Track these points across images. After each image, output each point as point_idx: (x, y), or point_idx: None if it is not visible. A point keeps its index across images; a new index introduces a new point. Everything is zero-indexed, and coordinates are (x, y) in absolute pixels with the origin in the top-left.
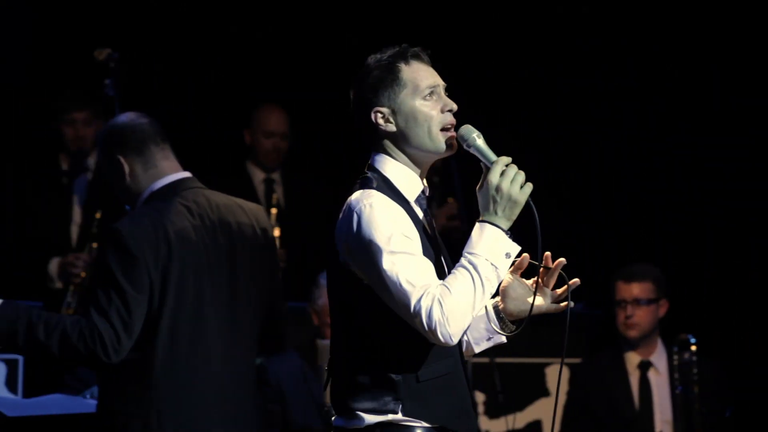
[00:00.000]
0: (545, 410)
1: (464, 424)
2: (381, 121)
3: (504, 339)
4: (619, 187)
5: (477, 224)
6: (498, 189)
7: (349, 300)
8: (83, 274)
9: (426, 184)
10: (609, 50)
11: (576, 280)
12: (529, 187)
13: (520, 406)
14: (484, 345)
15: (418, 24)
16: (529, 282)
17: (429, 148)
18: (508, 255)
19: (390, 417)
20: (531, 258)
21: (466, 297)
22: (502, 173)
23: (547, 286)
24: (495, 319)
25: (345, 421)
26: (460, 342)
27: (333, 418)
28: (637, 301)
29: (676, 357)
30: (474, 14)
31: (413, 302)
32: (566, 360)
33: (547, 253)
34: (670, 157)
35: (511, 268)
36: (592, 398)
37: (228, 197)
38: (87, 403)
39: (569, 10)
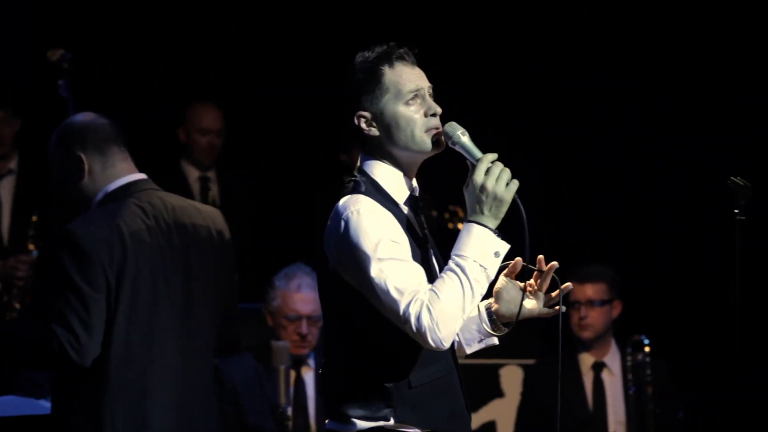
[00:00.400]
0: (499, 412)
1: (458, 427)
2: (364, 125)
3: (496, 341)
4: (620, 187)
5: (464, 225)
6: (483, 188)
7: (340, 306)
8: (23, 276)
9: (416, 184)
10: (609, 50)
11: (569, 284)
12: (515, 184)
13: (474, 407)
14: (476, 346)
15: (417, 24)
16: (523, 285)
17: (414, 149)
18: (497, 254)
19: (382, 423)
20: (522, 257)
21: (455, 301)
22: (487, 171)
23: (540, 290)
24: (487, 321)
25: (337, 425)
26: (452, 344)
27: (326, 422)
28: (590, 302)
29: (629, 358)
30: (474, 14)
31: (402, 308)
32: (520, 361)
33: (540, 257)
34: (670, 157)
35: (506, 271)
36: (545, 399)
37: (184, 199)
38: (40, 405)
39: (569, 10)
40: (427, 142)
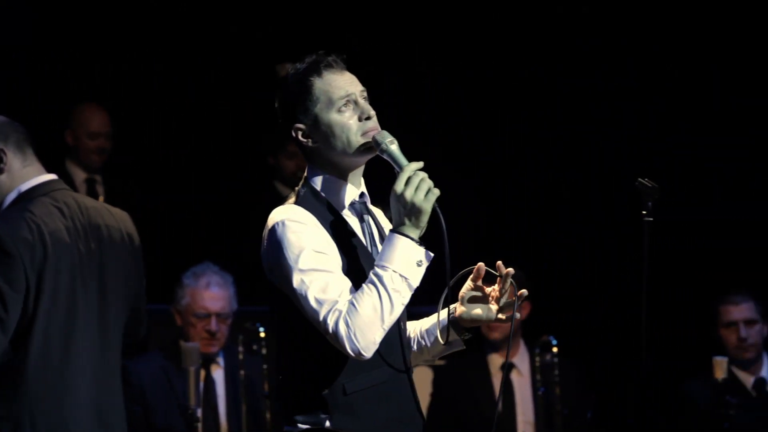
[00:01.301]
0: None
1: None
2: (302, 138)
3: (462, 345)
4: (620, 187)
5: (388, 235)
6: (402, 197)
7: (280, 314)
8: None
9: (364, 189)
10: (609, 50)
11: (524, 291)
12: (434, 194)
13: None
14: (438, 351)
15: (416, 24)
16: (489, 290)
17: (352, 154)
18: (419, 263)
19: (326, 426)
20: (441, 265)
21: (373, 311)
22: (407, 181)
23: (500, 295)
24: (447, 326)
25: (289, 429)
26: (401, 350)
27: (284, 428)
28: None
29: (537, 358)
30: (474, 14)
31: (321, 318)
32: (429, 363)
33: (499, 262)
34: (670, 157)
35: (471, 276)
36: (455, 400)
37: (95, 200)
38: None
39: (569, 10)
40: (361, 146)
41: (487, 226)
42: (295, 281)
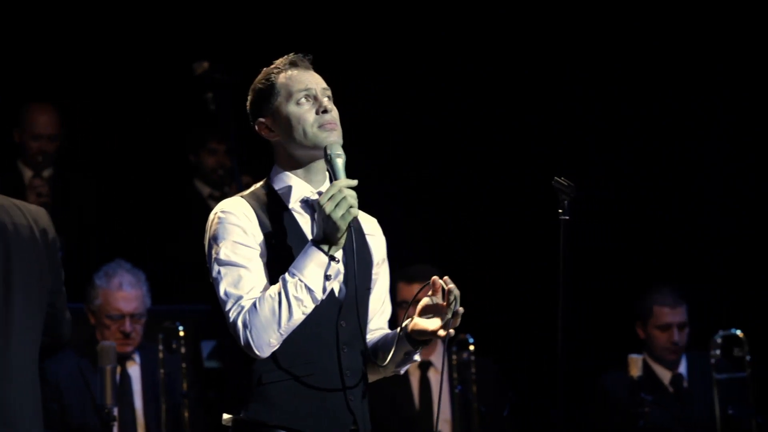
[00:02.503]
0: None
1: (320, 427)
2: (264, 132)
3: (416, 357)
4: (536, 185)
5: (307, 244)
6: (322, 210)
7: (217, 304)
8: None
9: (324, 188)
10: (609, 50)
11: (460, 308)
12: (351, 215)
13: None
14: (400, 360)
15: (417, 24)
16: (444, 303)
17: (308, 145)
18: (328, 278)
19: (242, 415)
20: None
21: (271, 315)
22: (331, 197)
23: (443, 311)
24: (397, 338)
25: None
26: (336, 349)
27: None
28: (417, 303)
29: (454, 357)
30: (474, 14)
31: (225, 311)
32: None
33: (434, 277)
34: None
35: (429, 291)
36: (373, 398)
37: (5, 198)
38: None
39: (569, 10)
40: (320, 137)
41: (403, 224)
42: (214, 271)
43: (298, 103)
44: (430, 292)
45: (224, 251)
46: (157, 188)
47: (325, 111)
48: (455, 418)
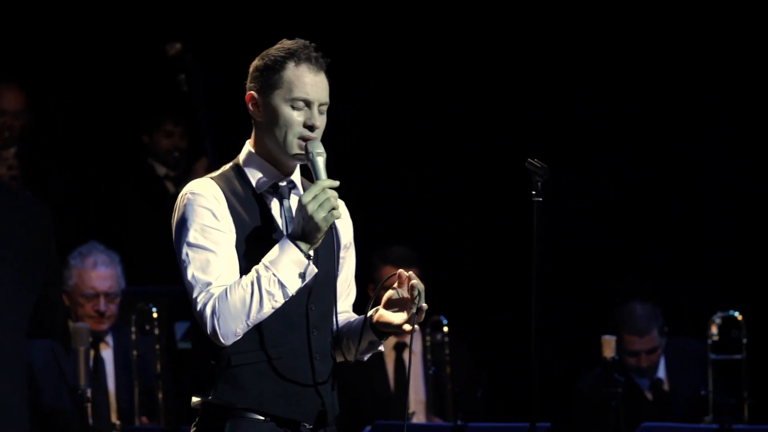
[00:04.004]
0: None
1: (297, 412)
2: (251, 107)
3: (381, 348)
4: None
5: (283, 238)
6: (304, 209)
7: (184, 286)
8: None
9: (295, 178)
10: (609, 50)
11: (424, 305)
12: (333, 216)
13: None
14: (364, 349)
15: (417, 24)
16: (409, 297)
17: (281, 149)
18: (301, 276)
19: (210, 398)
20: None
21: (241, 305)
22: (314, 197)
23: (408, 305)
24: (362, 327)
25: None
26: (306, 333)
27: None
28: (385, 289)
29: (428, 338)
30: (474, 14)
31: (193, 296)
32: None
33: (401, 271)
34: (670, 157)
35: (395, 283)
36: (348, 380)
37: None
38: None
39: (569, 10)
40: (293, 147)
41: (375, 207)
42: (182, 254)
43: (292, 106)
44: (395, 285)
45: (193, 234)
46: (116, 169)
47: (312, 127)
48: (429, 399)
